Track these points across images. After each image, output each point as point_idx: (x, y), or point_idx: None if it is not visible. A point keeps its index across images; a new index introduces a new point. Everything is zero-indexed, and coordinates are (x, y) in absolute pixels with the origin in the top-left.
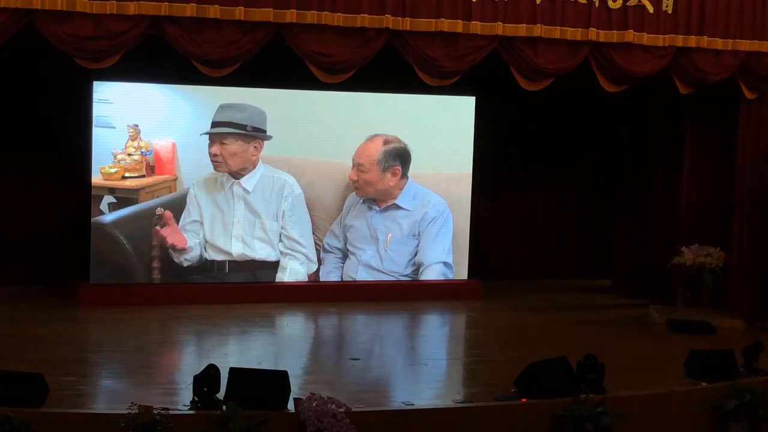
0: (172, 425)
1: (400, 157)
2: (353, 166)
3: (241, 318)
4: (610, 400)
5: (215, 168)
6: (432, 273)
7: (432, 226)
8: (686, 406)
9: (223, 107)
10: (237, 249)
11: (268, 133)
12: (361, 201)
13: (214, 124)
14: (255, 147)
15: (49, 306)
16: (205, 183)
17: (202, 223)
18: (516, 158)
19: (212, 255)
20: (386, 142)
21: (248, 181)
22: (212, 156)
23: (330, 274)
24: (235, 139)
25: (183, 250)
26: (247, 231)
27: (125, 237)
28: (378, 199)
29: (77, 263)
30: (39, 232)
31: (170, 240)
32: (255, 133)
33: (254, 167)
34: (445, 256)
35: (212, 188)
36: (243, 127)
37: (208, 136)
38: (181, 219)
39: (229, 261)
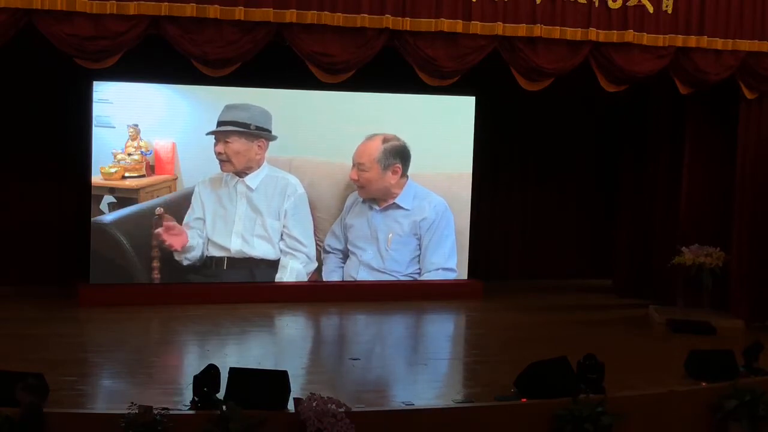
0: (172, 425)
1: (399, 155)
2: (353, 165)
3: (241, 318)
4: (610, 400)
5: (221, 167)
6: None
7: (432, 231)
8: (686, 406)
9: (228, 107)
10: (236, 245)
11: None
12: (362, 200)
13: (219, 124)
14: (258, 146)
15: (49, 306)
16: (210, 182)
17: (204, 220)
18: (516, 158)
19: (212, 251)
20: (385, 140)
21: (253, 179)
22: (217, 155)
23: (331, 274)
24: (239, 138)
25: (184, 248)
26: (248, 228)
27: (125, 237)
28: (378, 199)
29: (77, 263)
30: (39, 232)
31: (170, 241)
32: (258, 132)
33: (259, 166)
34: (445, 261)
35: (217, 186)
36: (246, 126)
37: (214, 136)
38: (186, 216)
39: (227, 257)
